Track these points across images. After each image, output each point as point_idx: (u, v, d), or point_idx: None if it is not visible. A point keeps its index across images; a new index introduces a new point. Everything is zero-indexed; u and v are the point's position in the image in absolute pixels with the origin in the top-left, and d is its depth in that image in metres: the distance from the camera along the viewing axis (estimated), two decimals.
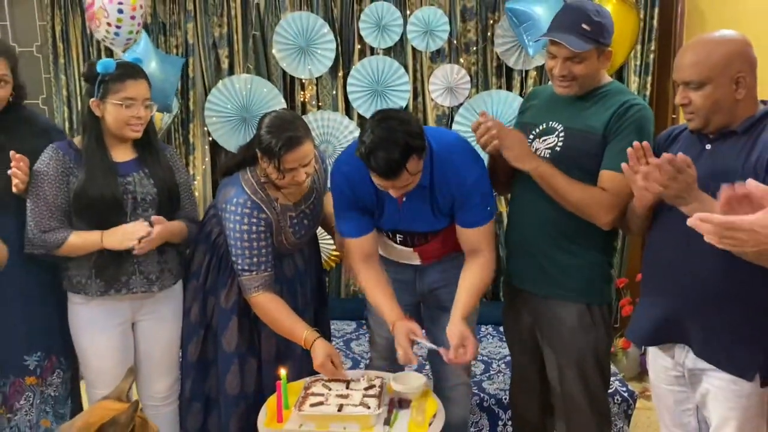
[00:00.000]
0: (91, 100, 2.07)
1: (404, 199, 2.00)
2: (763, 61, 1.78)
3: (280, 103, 3.22)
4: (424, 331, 2.22)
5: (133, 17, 2.86)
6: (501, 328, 3.19)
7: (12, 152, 2.03)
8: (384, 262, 2.22)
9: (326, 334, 2.40)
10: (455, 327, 1.95)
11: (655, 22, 3.21)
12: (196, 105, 3.29)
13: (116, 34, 2.87)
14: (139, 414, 1.47)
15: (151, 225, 2.06)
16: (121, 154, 2.13)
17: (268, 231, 2.09)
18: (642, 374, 3.33)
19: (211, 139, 3.32)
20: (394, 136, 1.79)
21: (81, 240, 2.06)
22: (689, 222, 1.30)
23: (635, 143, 1.66)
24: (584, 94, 1.98)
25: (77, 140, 2.14)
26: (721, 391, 1.73)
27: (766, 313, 1.66)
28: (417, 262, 2.19)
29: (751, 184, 1.26)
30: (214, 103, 3.24)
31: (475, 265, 2.02)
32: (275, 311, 2.08)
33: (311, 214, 2.22)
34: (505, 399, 2.66)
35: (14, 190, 2.06)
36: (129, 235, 2.03)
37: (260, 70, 3.31)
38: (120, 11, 2.81)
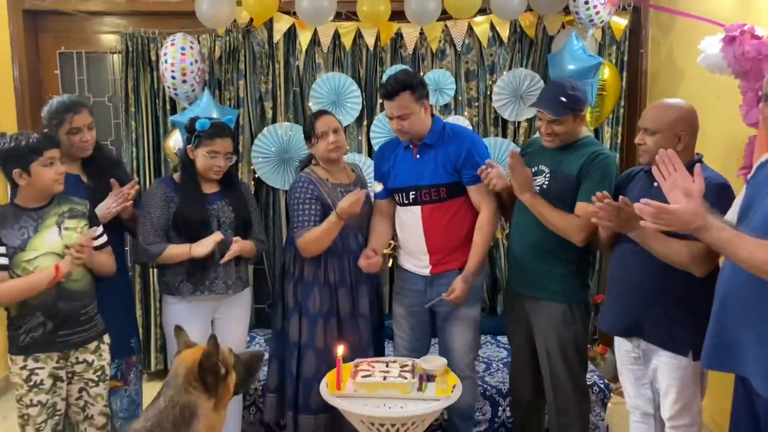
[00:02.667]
0: (188, 146, 2.70)
1: (418, 156, 2.73)
2: (705, 114, 2.38)
3: None
4: (435, 340, 2.90)
5: (184, 81, 3.49)
6: (498, 337, 3.84)
7: (113, 181, 2.66)
8: (402, 278, 2.86)
9: (380, 301, 3.04)
10: (455, 281, 2.66)
11: (624, 83, 3.79)
12: (244, 148, 3.82)
13: (175, 93, 3.53)
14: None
15: (226, 239, 2.68)
16: (209, 187, 2.75)
17: (315, 200, 2.73)
18: (617, 377, 3.88)
19: (256, 176, 3.85)
20: (399, 75, 2.68)
21: (174, 251, 2.64)
22: (636, 206, 1.84)
23: (597, 194, 2.21)
24: (565, 146, 2.57)
25: (176, 176, 2.76)
26: (665, 365, 2.28)
27: (693, 306, 2.19)
28: (426, 270, 2.77)
29: (681, 178, 1.83)
30: (260, 147, 3.78)
31: (479, 223, 2.72)
32: (313, 232, 2.69)
33: None
34: (504, 389, 3.22)
35: (125, 213, 2.68)
36: (208, 243, 2.62)
37: (298, 120, 3.83)
38: (173, 77, 3.46)
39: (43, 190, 2.33)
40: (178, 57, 3.45)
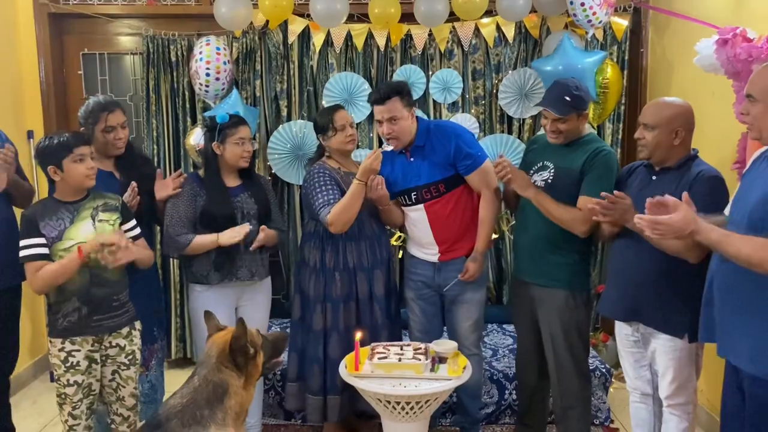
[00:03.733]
0: (213, 143, 2.85)
1: (411, 158, 2.89)
2: (701, 111, 2.52)
3: None
4: (445, 327, 3.06)
5: (218, 79, 3.64)
6: (504, 326, 3.99)
7: (159, 171, 2.85)
8: (411, 264, 3.03)
9: (395, 288, 3.21)
10: (467, 262, 2.85)
11: (625, 81, 3.91)
12: (260, 145, 3.94)
13: (206, 91, 3.67)
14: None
15: (253, 229, 2.84)
16: (232, 181, 2.91)
17: (333, 181, 2.90)
18: (618, 363, 4.03)
19: (272, 172, 3.96)
20: (388, 83, 2.94)
21: (202, 241, 2.80)
22: (634, 220, 2.01)
23: (602, 194, 2.35)
24: (569, 143, 2.71)
25: (201, 172, 2.92)
26: (662, 347, 2.42)
27: (688, 291, 2.30)
28: (435, 257, 2.94)
29: (666, 197, 1.97)
30: (275, 144, 3.90)
31: (482, 204, 2.88)
32: (339, 204, 2.82)
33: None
34: (510, 374, 3.37)
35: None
36: (236, 233, 2.76)
37: (312, 118, 3.84)
38: (207, 74, 3.60)
39: (76, 184, 2.48)
40: (213, 56, 3.62)
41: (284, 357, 2.68)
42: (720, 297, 2.03)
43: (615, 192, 2.33)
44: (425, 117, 3.82)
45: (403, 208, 3.00)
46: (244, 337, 2.06)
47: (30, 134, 3.96)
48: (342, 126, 2.95)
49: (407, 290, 3.09)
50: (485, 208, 2.88)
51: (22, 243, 2.43)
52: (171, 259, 3.97)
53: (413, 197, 2.92)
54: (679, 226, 1.93)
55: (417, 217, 2.94)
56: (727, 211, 2.17)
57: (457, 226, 2.91)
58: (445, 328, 3.15)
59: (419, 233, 2.97)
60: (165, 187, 2.86)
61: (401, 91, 2.83)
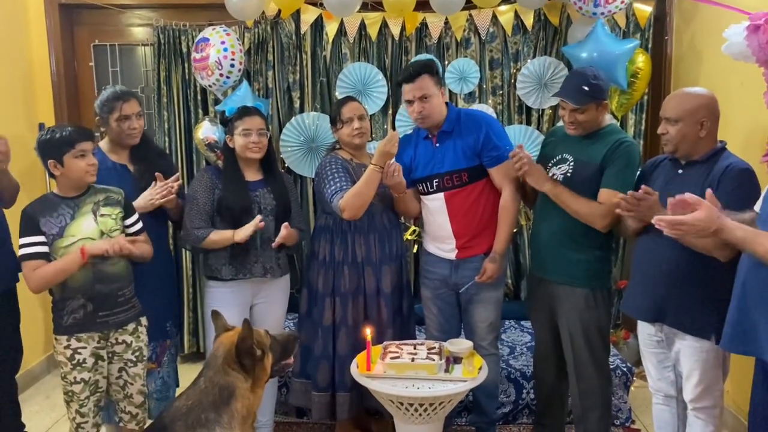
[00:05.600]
0: (227, 137, 2.81)
1: (437, 144, 2.82)
2: (729, 102, 2.42)
3: None
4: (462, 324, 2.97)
5: (240, 70, 3.61)
6: (522, 322, 3.90)
7: (158, 174, 2.75)
8: (427, 262, 2.95)
9: (408, 285, 3.13)
10: (485, 262, 2.77)
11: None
12: (272, 137, 3.83)
13: (225, 82, 3.61)
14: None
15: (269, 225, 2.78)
16: (252, 175, 2.86)
17: (345, 170, 2.84)
18: (639, 361, 3.93)
19: (285, 165, 3.89)
20: (416, 60, 2.95)
21: (218, 237, 2.74)
22: (653, 221, 1.94)
23: (629, 192, 2.28)
24: (588, 134, 2.61)
25: (220, 164, 2.87)
26: (688, 349, 2.33)
27: (716, 291, 2.21)
28: (452, 254, 2.85)
29: (687, 195, 1.89)
30: (288, 136, 3.85)
31: (502, 203, 2.80)
32: (353, 189, 2.75)
33: None
34: (528, 373, 3.29)
35: (169, 204, 2.78)
36: (248, 228, 2.69)
37: (325, 109, 3.89)
38: (232, 65, 3.55)
39: (76, 180, 2.43)
40: (237, 46, 3.57)
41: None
42: (752, 302, 1.92)
43: (642, 187, 2.23)
44: None
45: (422, 197, 2.92)
46: (250, 339, 2.00)
47: (41, 127, 3.93)
48: (349, 119, 2.88)
49: (424, 289, 3.01)
50: (505, 207, 2.80)
51: (22, 241, 2.39)
52: (184, 253, 3.93)
53: (435, 184, 2.83)
54: (701, 226, 1.85)
55: (436, 207, 2.85)
56: (758, 207, 2.06)
57: (476, 221, 2.82)
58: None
59: (436, 225, 2.88)
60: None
61: (431, 68, 2.77)
